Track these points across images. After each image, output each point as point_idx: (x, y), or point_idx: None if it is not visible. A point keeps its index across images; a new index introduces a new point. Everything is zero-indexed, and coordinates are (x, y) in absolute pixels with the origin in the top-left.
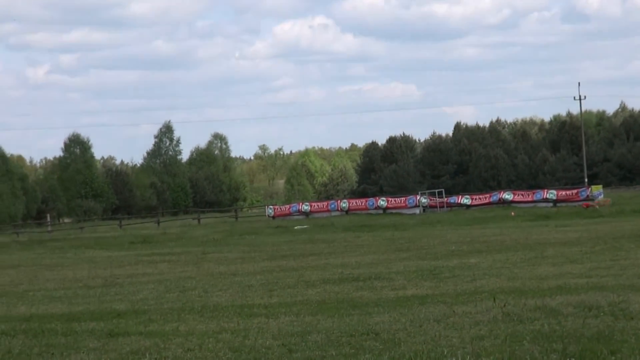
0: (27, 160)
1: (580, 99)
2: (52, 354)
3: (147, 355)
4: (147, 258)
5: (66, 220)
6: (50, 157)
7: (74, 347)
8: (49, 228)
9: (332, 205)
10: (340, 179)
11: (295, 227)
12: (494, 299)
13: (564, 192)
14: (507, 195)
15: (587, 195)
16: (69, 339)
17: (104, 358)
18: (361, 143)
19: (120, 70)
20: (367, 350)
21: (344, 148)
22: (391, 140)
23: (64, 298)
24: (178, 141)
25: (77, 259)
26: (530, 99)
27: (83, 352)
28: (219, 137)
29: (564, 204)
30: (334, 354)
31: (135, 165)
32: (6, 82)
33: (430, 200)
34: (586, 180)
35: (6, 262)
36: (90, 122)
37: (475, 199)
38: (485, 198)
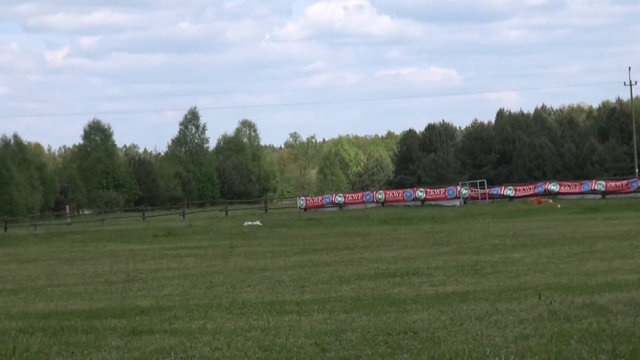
0: (45, 148)
1: (630, 85)
2: (72, 352)
3: (173, 354)
4: (172, 252)
5: (86, 211)
6: (70, 145)
7: (95, 346)
8: (68, 220)
9: (368, 197)
10: (375, 169)
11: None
12: (540, 296)
13: (613, 183)
14: (553, 187)
15: (639, 187)
16: (89, 337)
17: (127, 357)
18: (398, 131)
19: (143, 53)
20: (404, 349)
21: (380, 136)
22: (430, 128)
23: (84, 294)
24: (204, 128)
25: (98, 253)
26: (577, 84)
27: (104, 351)
28: (247, 124)
29: (613, 196)
30: (369, 353)
31: (159, 153)
32: (24, 65)
33: (472, 191)
34: (637, 170)
35: (23, 255)
36: (111, 109)
37: (519, 190)
38: (530, 189)
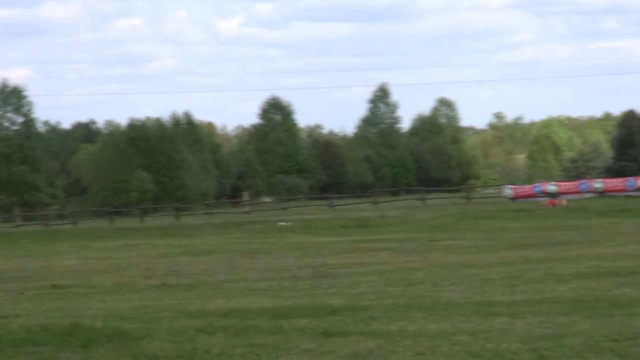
0: (219, 128)
1: None
2: (258, 355)
3: (370, 358)
4: (364, 245)
5: (266, 199)
6: (246, 124)
7: (283, 348)
8: (247, 208)
9: (584, 186)
10: (592, 155)
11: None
12: None
13: None
14: None
15: None
16: (276, 338)
17: None
18: (617, 111)
19: (327, 22)
20: (634, 357)
21: (596, 117)
22: None
23: (268, 290)
24: (396, 107)
25: (281, 245)
26: None
27: (294, 354)
28: (445, 103)
29: None
30: None
31: (347, 135)
32: (194, 36)
33: None
34: None
35: (198, 247)
36: (292, 84)
37: None
38: None
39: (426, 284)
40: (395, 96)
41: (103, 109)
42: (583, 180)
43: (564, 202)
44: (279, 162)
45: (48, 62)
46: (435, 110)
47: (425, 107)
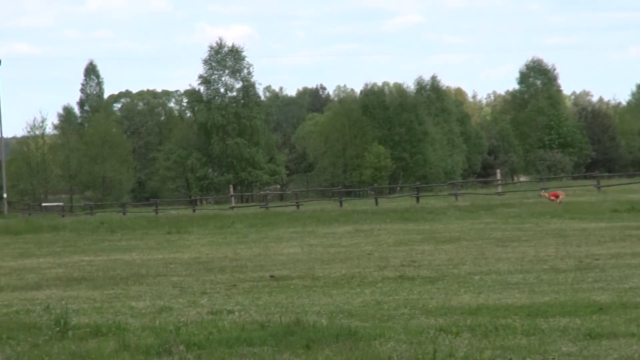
0: (469, 95)
1: None
2: (510, 359)
3: None
4: (637, 232)
5: (522, 178)
6: (501, 91)
7: (540, 351)
8: (499, 189)
9: None
10: None
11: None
12: None
13: None
14: None
15: None
16: (531, 339)
17: None
18: None
19: None
20: None
21: None
22: None
23: (523, 284)
24: None
25: (540, 232)
26: None
27: (552, 358)
28: None
29: None
30: None
31: (620, 103)
32: None
33: None
34: None
35: (442, 233)
36: (556, 44)
37: None
38: None
39: None
40: None
41: (334, 73)
42: None
43: (563, 196)
44: (539, 134)
45: (271, 19)
46: None
47: None
